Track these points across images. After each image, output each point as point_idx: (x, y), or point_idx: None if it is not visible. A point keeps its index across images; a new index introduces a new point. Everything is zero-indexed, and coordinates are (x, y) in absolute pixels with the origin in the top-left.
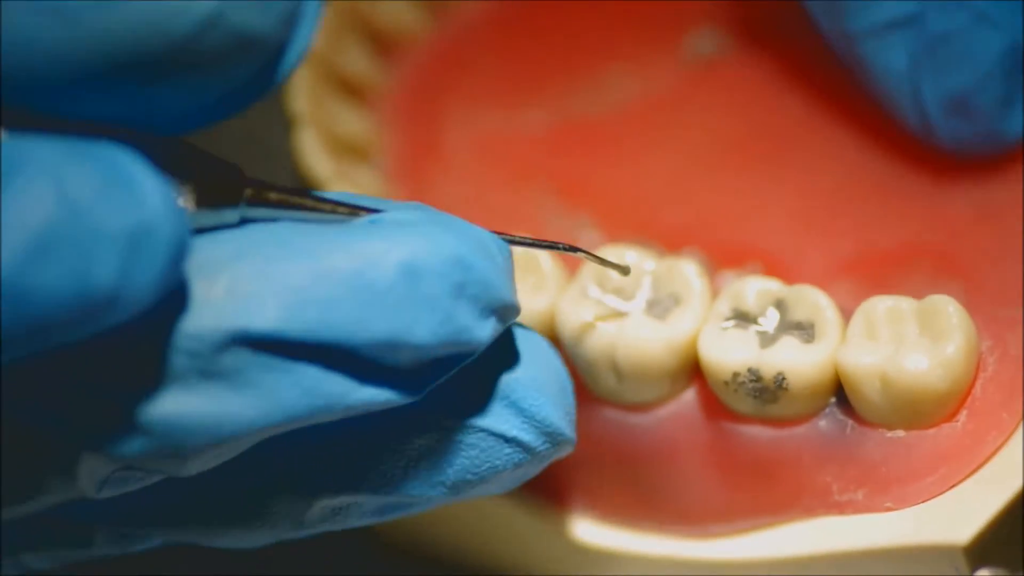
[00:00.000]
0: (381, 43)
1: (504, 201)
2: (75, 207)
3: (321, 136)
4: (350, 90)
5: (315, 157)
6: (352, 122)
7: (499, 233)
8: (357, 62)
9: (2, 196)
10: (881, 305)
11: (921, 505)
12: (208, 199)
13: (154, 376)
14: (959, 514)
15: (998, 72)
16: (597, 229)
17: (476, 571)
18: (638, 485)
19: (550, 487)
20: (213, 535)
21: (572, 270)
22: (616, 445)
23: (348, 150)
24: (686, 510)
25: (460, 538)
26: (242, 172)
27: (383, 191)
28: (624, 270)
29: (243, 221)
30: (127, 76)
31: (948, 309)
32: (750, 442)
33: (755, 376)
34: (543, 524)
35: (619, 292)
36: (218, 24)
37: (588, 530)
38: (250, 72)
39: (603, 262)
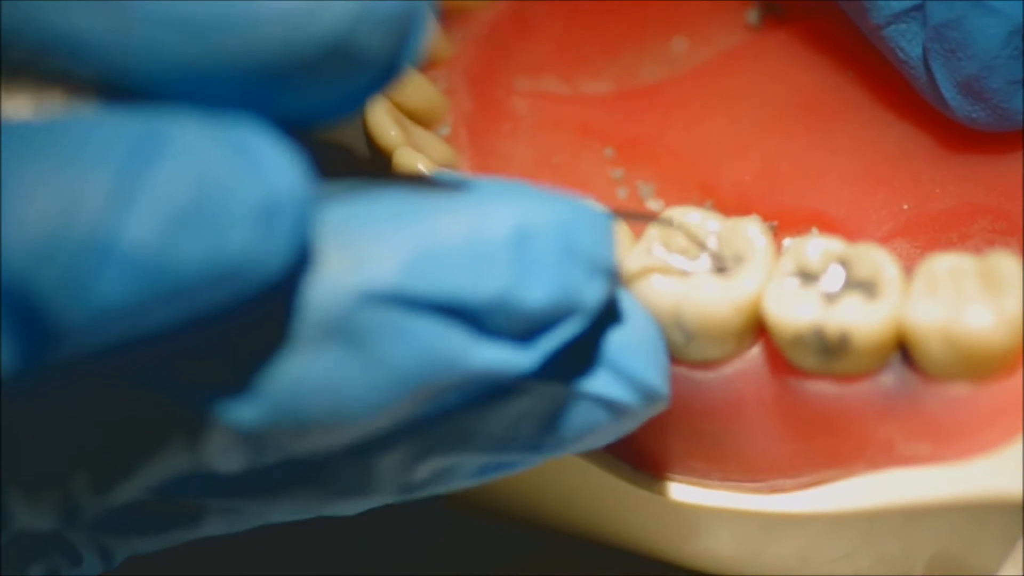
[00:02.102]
0: (446, 11)
1: (568, 165)
2: (210, 185)
3: (389, 105)
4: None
5: (384, 124)
6: (418, 90)
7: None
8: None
9: (144, 176)
10: (942, 263)
11: (984, 457)
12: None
13: (277, 342)
14: (1021, 466)
15: (1004, 56)
16: (658, 193)
17: (545, 523)
18: (704, 440)
19: (619, 441)
20: (324, 505)
21: (638, 231)
22: (682, 402)
23: (415, 117)
24: (752, 464)
25: (533, 491)
26: (354, 154)
27: (449, 157)
28: (717, 257)
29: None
30: (248, 90)
31: (1007, 265)
32: (815, 397)
33: (819, 334)
34: (610, 476)
35: (684, 252)
36: (341, 47)
37: (655, 483)
38: (362, 85)
39: (693, 237)
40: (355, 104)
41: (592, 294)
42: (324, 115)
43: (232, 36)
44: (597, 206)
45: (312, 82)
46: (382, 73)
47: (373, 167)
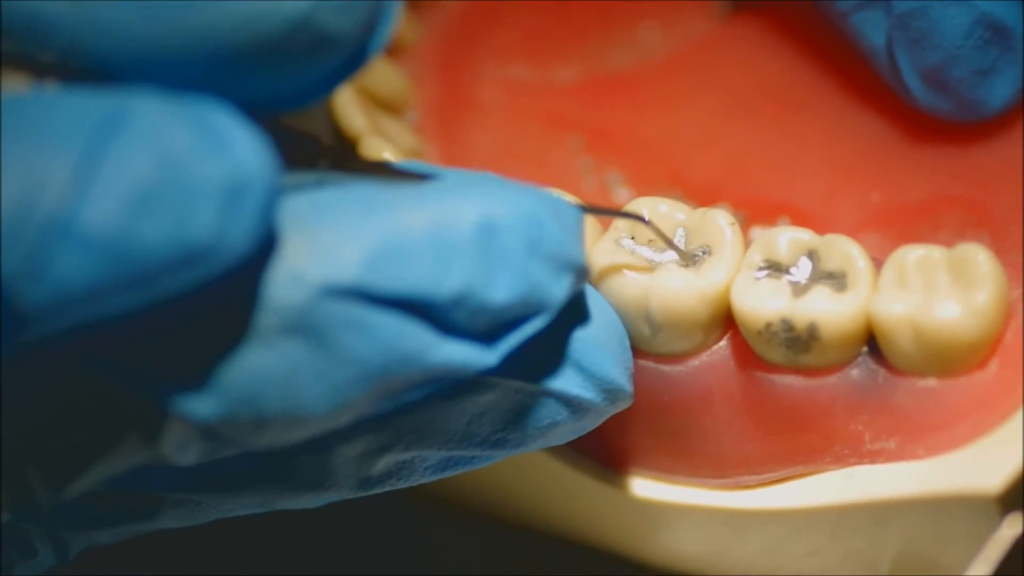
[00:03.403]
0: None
1: (536, 153)
2: (174, 164)
3: (356, 91)
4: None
5: (350, 112)
6: (385, 77)
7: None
8: (397, 9)
9: (106, 155)
10: (912, 254)
11: (952, 453)
12: (289, 164)
13: (236, 334)
14: (990, 462)
15: (968, 45)
16: (627, 182)
17: (511, 520)
18: (671, 435)
19: (585, 437)
20: (283, 499)
21: (605, 223)
22: (649, 395)
23: (382, 105)
24: (719, 459)
25: (497, 487)
26: (320, 142)
27: (416, 145)
28: (686, 256)
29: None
30: (211, 71)
31: (979, 257)
32: (782, 391)
33: (788, 326)
34: (575, 472)
35: (652, 243)
36: (305, 27)
37: (621, 479)
38: (330, 68)
39: (663, 236)
40: (323, 90)
41: (558, 290)
42: (292, 100)
43: (194, 15)
44: (565, 199)
45: (277, 65)
46: (350, 58)
47: (338, 156)
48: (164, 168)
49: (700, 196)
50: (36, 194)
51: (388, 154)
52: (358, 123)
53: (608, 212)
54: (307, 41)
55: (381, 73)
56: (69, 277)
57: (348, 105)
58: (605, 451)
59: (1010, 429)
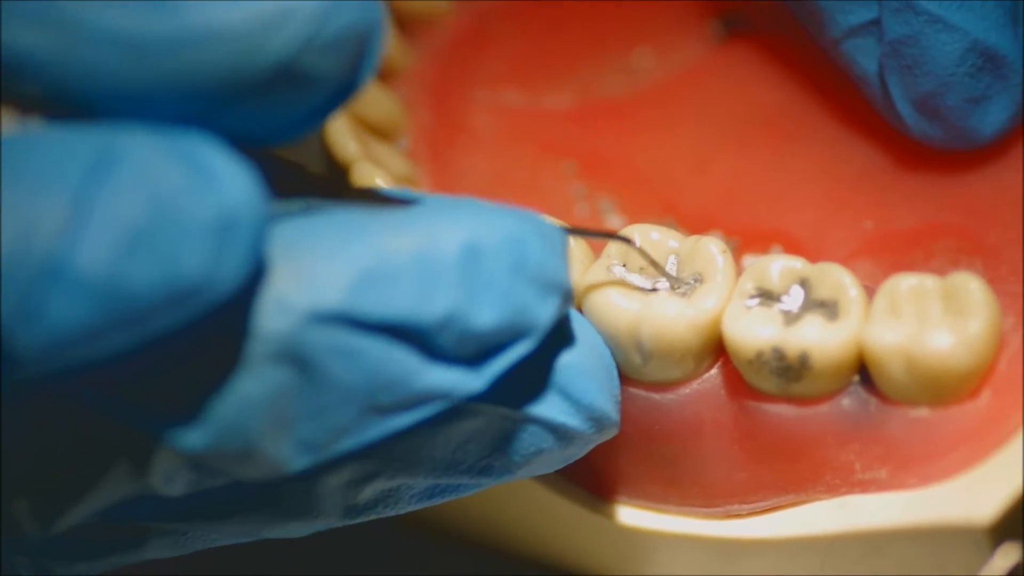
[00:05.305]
0: (406, 24)
1: (528, 180)
2: (164, 203)
3: (348, 117)
4: (376, 71)
5: (342, 138)
6: (378, 103)
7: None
8: (383, 43)
9: (97, 197)
10: (904, 283)
11: (944, 483)
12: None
13: (223, 364)
14: (982, 492)
15: (961, 72)
16: (619, 209)
17: (501, 548)
18: (662, 464)
19: (575, 466)
20: (270, 528)
21: (597, 248)
22: (640, 423)
23: (374, 130)
24: (709, 488)
25: (488, 519)
26: (305, 169)
27: (408, 171)
28: (675, 281)
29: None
30: (197, 109)
31: (971, 286)
32: (774, 420)
33: (779, 354)
34: (565, 501)
35: (643, 271)
36: (290, 68)
37: (611, 508)
38: (315, 105)
39: (652, 261)
40: (310, 123)
41: (544, 312)
42: (279, 134)
43: (178, 58)
44: (550, 222)
45: (262, 103)
46: (335, 94)
47: (322, 183)
48: (155, 207)
49: (692, 223)
50: (30, 237)
51: (380, 180)
52: (350, 149)
53: (592, 233)
54: (292, 81)
55: (373, 99)
56: (63, 320)
57: (340, 131)
58: (595, 479)
59: (1003, 459)
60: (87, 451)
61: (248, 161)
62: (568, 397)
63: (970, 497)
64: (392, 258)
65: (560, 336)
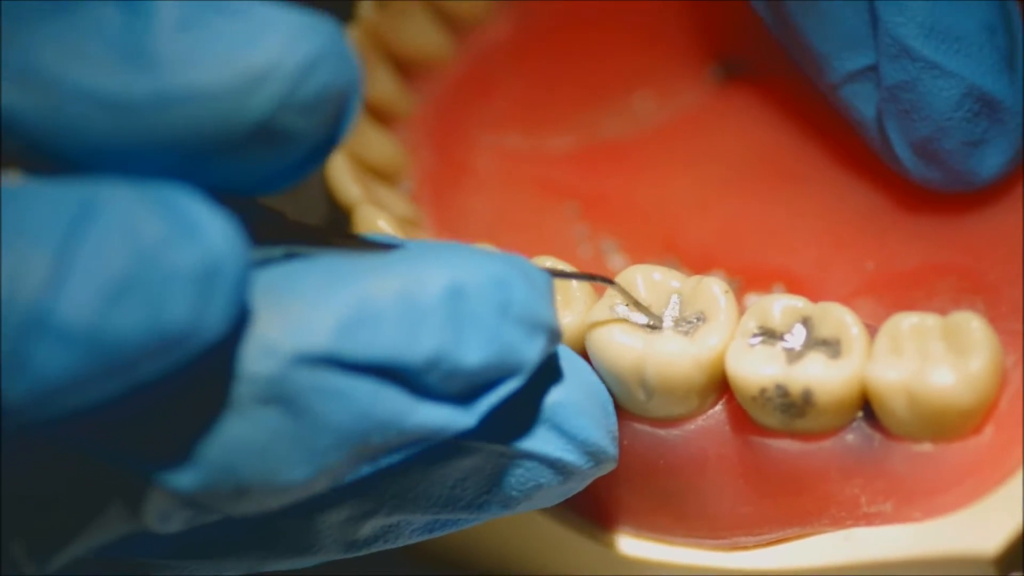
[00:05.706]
0: (407, 68)
1: (531, 221)
2: (146, 253)
3: (350, 160)
4: (377, 115)
5: (345, 181)
6: (380, 146)
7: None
8: (384, 87)
9: (80, 249)
10: (906, 322)
11: (948, 516)
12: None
13: (213, 407)
14: (986, 525)
15: (958, 117)
16: (622, 249)
17: None
18: (667, 498)
19: (580, 499)
20: (269, 563)
21: (600, 288)
22: (645, 459)
23: (377, 173)
24: (715, 522)
25: (491, 548)
26: (285, 216)
27: (411, 213)
28: (657, 319)
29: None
30: (176, 164)
31: (972, 325)
32: (778, 455)
33: (782, 392)
34: (572, 535)
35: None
36: (269, 126)
37: (618, 541)
38: (294, 161)
39: (636, 303)
40: (292, 177)
41: (531, 351)
42: (261, 187)
43: (158, 116)
44: (534, 263)
45: (242, 159)
46: (314, 150)
47: (303, 230)
48: (137, 257)
49: (695, 263)
50: (14, 290)
51: (383, 222)
52: (352, 192)
53: (574, 276)
54: (271, 139)
55: (376, 142)
56: (49, 370)
57: (342, 174)
58: (599, 510)
59: (1007, 492)
60: (81, 492)
61: (228, 209)
62: (563, 433)
63: (975, 529)
64: (376, 300)
65: (554, 374)
